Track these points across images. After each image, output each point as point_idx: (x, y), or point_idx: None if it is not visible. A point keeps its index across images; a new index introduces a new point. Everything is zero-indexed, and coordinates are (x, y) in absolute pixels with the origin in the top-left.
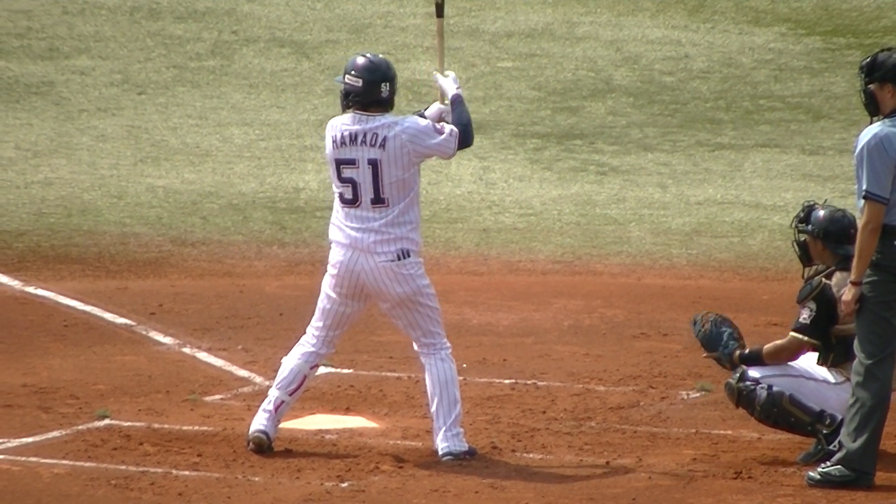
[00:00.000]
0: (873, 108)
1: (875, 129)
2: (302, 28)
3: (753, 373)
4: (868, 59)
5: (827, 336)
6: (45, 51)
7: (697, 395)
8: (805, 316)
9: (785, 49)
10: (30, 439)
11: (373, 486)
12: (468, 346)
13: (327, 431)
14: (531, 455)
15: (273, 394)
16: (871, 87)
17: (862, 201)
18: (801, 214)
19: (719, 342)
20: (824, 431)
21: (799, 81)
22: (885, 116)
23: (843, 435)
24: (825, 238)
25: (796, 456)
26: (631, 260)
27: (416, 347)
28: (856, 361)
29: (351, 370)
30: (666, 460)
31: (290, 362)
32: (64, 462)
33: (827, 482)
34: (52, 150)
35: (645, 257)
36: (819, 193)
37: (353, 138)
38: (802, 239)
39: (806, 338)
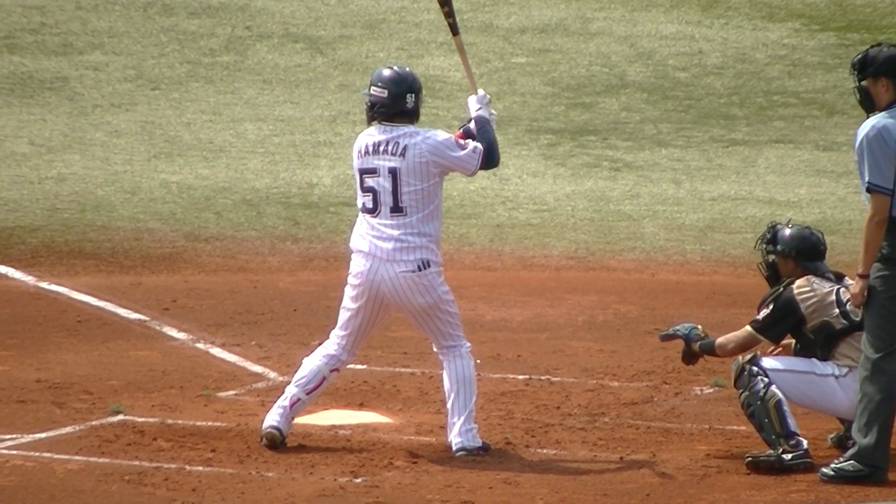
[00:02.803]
0: (868, 105)
1: (873, 120)
2: (316, 23)
3: (765, 363)
4: (859, 56)
5: (801, 335)
6: (58, 46)
7: (711, 390)
8: (762, 314)
9: (799, 45)
10: (43, 435)
11: (386, 482)
12: (482, 341)
13: (341, 427)
14: (545, 451)
15: (290, 391)
16: (865, 83)
17: (867, 195)
18: (768, 235)
19: (688, 329)
20: (783, 449)
21: (813, 77)
22: (882, 110)
23: (854, 431)
24: (797, 256)
25: (749, 453)
26: (645, 256)
27: (435, 349)
28: (863, 356)
29: (365, 366)
30: (680, 456)
31: (311, 362)
32: (77, 457)
33: (840, 478)
34: (65, 146)
35: (659, 253)
36: (833, 189)
37: (377, 148)
38: (771, 259)
39: (756, 333)
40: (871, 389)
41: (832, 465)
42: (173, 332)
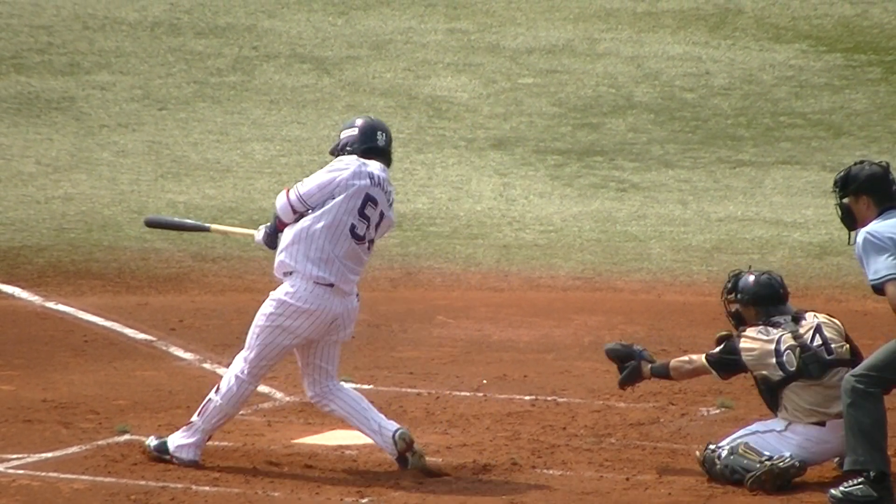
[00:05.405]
0: (850, 222)
1: (862, 230)
2: (323, 44)
3: (720, 443)
4: (842, 174)
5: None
6: (65, 66)
7: (717, 411)
8: (716, 350)
9: (806, 66)
10: (50, 454)
11: (393, 502)
12: (489, 362)
13: (347, 447)
14: (551, 471)
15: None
16: (846, 200)
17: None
18: (729, 285)
19: (631, 352)
20: (773, 462)
21: (820, 98)
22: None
23: (849, 462)
24: (756, 303)
25: (749, 474)
26: (651, 276)
27: (314, 391)
28: (846, 384)
29: (371, 386)
30: (686, 477)
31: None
32: (84, 477)
33: (849, 501)
34: (72, 166)
35: (665, 274)
36: None
37: (380, 182)
38: (734, 309)
39: (708, 366)
40: (858, 414)
41: (841, 489)
42: (180, 353)
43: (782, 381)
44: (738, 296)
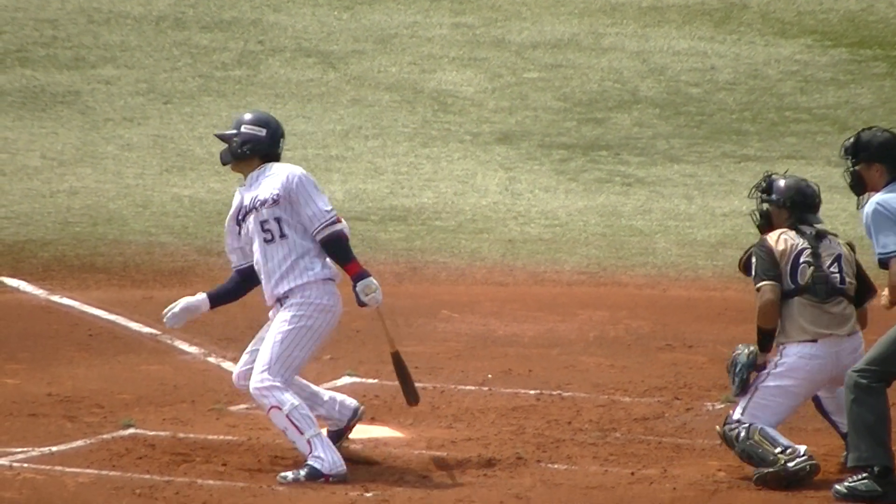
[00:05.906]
0: (860, 189)
1: (873, 198)
2: (328, 38)
3: (735, 414)
4: (851, 140)
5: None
6: (70, 60)
7: (722, 406)
8: (753, 267)
9: (811, 61)
10: (55, 448)
11: (398, 496)
12: (493, 356)
13: (352, 441)
14: (556, 466)
15: None
16: (858, 167)
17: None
18: (763, 184)
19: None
20: (784, 459)
21: (825, 93)
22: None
23: (853, 459)
24: (792, 207)
25: (757, 470)
26: (656, 271)
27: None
28: (849, 380)
29: (376, 380)
30: (691, 471)
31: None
32: (89, 471)
33: (853, 496)
34: (77, 160)
35: (670, 269)
36: (845, 205)
37: None
38: (765, 208)
39: (765, 280)
40: (861, 410)
41: (845, 483)
42: (185, 346)
43: (790, 292)
44: (773, 196)
